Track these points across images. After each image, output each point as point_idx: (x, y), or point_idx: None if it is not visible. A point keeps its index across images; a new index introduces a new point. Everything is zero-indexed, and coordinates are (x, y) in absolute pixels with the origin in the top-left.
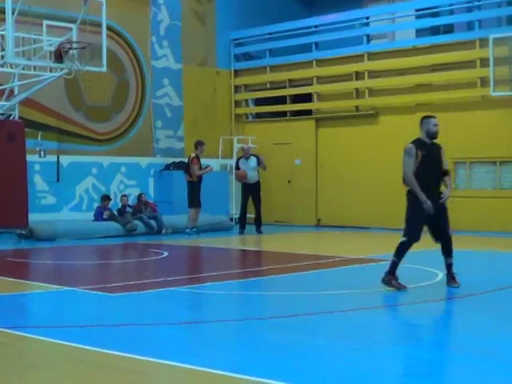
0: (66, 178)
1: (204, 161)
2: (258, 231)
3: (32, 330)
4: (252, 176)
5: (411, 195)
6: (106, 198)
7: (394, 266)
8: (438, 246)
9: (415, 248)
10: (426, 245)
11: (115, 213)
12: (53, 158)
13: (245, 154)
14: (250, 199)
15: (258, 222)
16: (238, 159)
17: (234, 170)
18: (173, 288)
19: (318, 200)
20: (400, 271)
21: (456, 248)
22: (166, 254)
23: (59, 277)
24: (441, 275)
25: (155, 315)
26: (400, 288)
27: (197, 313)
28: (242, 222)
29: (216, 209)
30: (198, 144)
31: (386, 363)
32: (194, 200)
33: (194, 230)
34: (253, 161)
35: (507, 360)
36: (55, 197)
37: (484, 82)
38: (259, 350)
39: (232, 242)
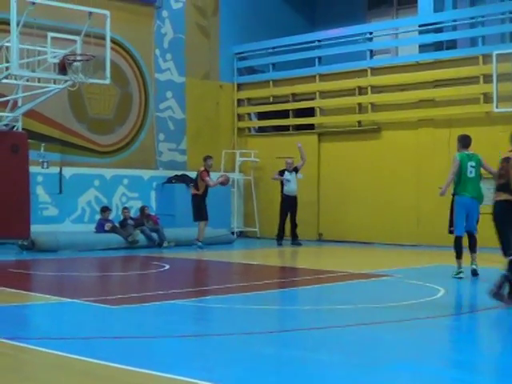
0: (68, 190)
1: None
2: (297, 243)
3: (33, 342)
4: (295, 189)
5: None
6: (105, 209)
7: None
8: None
9: (418, 264)
10: (429, 260)
11: (117, 225)
12: (55, 170)
13: (288, 167)
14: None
15: (295, 234)
16: (283, 171)
17: (281, 179)
18: (174, 301)
19: (320, 215)
20: (402, 287)
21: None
22: (167, 266)
23: (60, 288)
24: (442, 291)
25: (156, 328)
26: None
27: (198, 326)
28: (281, 234)
29: (217, 222)
30: (207, 158)
31: (388, 380)
32: (204, 213)
33: (200, 243)
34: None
35: (505, 376)
36: (57, 208)
37: (487, 97)
38: (260, 364)
39: (234, 255)
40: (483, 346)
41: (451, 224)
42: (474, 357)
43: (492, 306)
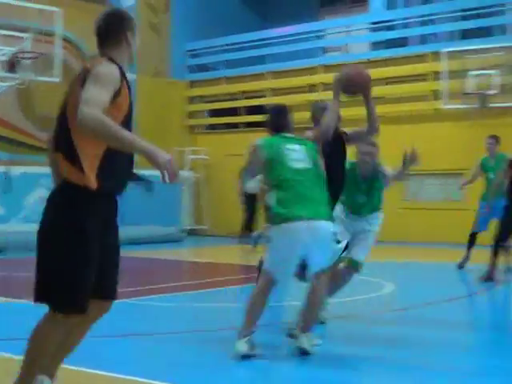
0: (16, 189)
1: (153, 172)
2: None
3: None
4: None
5: None
6: None
7: None
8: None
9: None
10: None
11: None
12: (2, 169)
13: None
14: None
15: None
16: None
17: None
18: (120, 300)
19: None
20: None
21: (403, 259)
22: None
23: None
24: (389, 286)
25: (101, 328)
26: None
27: (144, 325)
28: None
29: (167, 220)
30: None
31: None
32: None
33: None
34: None
35: (451, 372)
36: (4, 207)
37: (436, 95)
38: (209, 363)
39: (183, 253)
40: (425, 343)
41: None
42: (415, 353)
43: (436, 301)
